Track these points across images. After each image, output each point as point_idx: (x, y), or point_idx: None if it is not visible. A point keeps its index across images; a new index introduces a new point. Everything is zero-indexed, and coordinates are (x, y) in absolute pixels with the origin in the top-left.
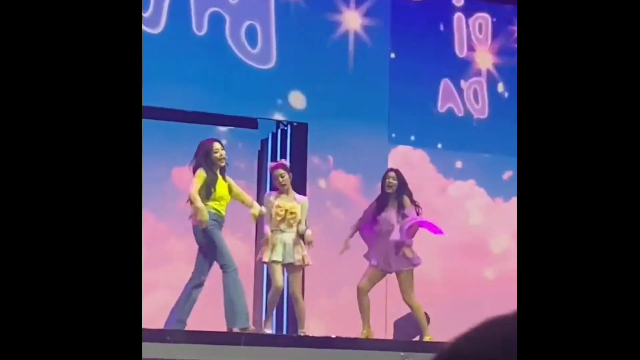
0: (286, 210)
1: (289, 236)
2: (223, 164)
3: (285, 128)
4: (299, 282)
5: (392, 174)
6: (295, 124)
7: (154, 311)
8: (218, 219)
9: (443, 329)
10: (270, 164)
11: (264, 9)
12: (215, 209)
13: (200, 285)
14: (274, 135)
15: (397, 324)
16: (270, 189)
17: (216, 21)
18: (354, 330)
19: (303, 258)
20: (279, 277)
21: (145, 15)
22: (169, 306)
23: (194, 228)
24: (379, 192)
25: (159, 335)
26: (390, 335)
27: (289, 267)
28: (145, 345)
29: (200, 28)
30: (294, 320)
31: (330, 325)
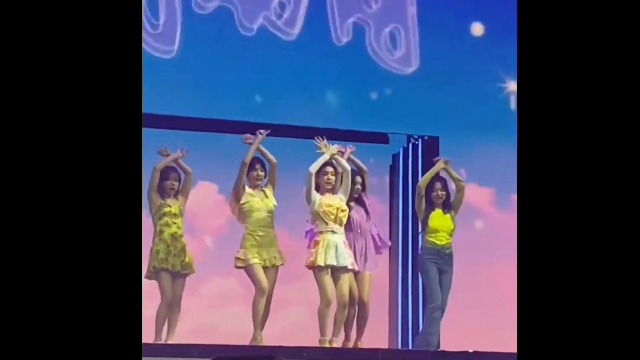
0: (337, 208)
1: (340, 238)
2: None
3: (417, 142)
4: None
5: (358, 178)
6: (426, 137)
7: (290, 328)
8: (431, 252)
9: None
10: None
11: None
12: (431, 242)
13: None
14: (405, 150)
15: None
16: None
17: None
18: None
19: (352, 263)
20: (331, 289)
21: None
22: (304, 323)
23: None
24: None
25: (296, 352)
26: None
27: (342, 270)
28: None
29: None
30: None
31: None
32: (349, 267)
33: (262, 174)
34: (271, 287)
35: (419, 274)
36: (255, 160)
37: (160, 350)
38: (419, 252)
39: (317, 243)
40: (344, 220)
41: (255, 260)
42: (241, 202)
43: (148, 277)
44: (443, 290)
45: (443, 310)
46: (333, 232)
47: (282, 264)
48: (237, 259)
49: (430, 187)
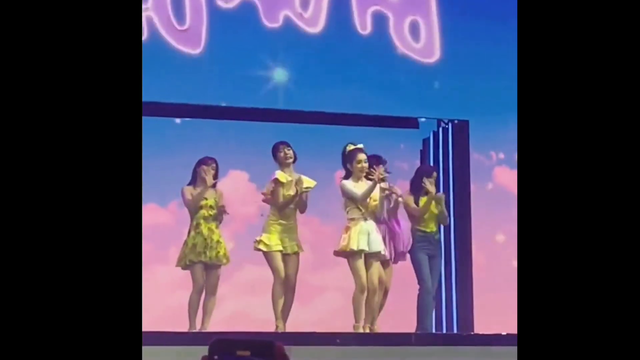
0: (370, 198)
1: (372, 225)
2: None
3: (447, 126)
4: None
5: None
6: (456, 121)
7: (327, 314)
8: (422, 240)
9: None
10: (349, 148)
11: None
12: (421, 230)
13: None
14: (435, 134)
15: None
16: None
17: (379, 20)
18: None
19: (385, 249)
20: (365, 274)
21: (306, 15)
22: (341, 309)
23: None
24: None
25: (329, 339)
26: None
27: (374, 256)
28: (316, 349)
29: (364, 27)
30: (465, 319)
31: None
32: (382, 252)
33: (289, 152)
34: (294, 274)
35: (411, 261)
36: (279, 142)
37: (191, 339)
38: (411, 242)
39: (348, 229)
40: (377, 207)
41: (277, 248)
42: (270, 189)
43: (182, 267)
44: (433, 275)
45: (434, 294)
46: (365, 219)
47: (301, 252)
48: (260, 242)
49: (426, 173)
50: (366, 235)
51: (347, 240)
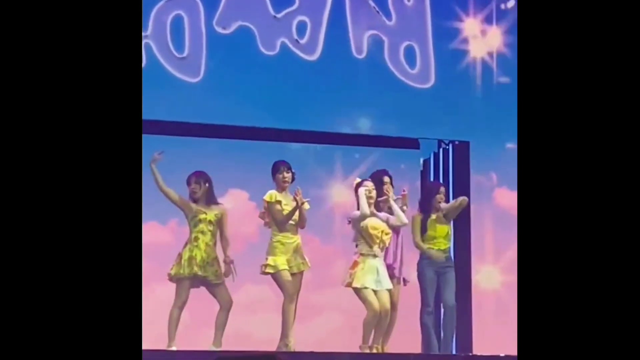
0: (382, 232)
1: (380, 260)
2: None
3: (447, 147)
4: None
5: (386, 178)
6: (457, 142)
7: (325, 334)
8: (427, 259)
9: None
10: (356, 181)
11: (422, 30)
12: (430, 249)
13: (431, 313)
14: (436, 155)
15: None
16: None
17: (375, 44)
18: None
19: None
20: (374, 299)
21: (302, 42)
22: (340, 329)
23: None
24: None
25: (326, 358)
26: None
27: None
28: None
29: (360, 51)
30: (464, 340)
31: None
32: (391, 289)
33: (288, 175)
34: (297, 293)
35: (417, 279)
36: (279, 162)
37: (192, 358)
38: (419, 257)
39: (356, 264)
40: (387, 243)
41: (284, 267)
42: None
43: (170, 279)
44: (447, 290)
45: (453, 309)
46: (374, 255)
47: (307, 269)
48: (267, 265)
49: (435, 189)
50: (374, 274)
51: (353, 278)
